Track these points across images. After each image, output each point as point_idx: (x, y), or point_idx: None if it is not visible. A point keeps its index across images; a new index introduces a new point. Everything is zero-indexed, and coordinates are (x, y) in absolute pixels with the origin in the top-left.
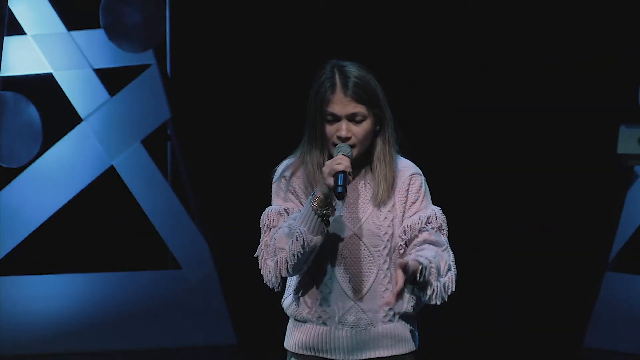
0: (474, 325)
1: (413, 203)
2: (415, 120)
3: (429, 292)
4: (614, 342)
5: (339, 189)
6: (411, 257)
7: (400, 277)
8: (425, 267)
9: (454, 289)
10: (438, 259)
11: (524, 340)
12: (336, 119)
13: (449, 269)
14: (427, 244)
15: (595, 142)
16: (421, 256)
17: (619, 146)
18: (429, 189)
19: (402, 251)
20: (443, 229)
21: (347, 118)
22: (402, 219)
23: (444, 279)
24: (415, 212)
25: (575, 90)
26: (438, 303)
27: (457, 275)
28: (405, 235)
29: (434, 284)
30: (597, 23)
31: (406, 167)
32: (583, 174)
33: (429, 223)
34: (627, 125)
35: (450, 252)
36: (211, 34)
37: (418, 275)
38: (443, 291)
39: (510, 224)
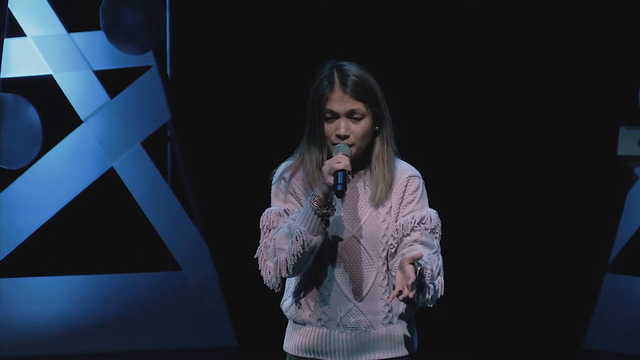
0: (474, 325)
1: (408, 203)
2: (415, 120)
3: (425, 295)
4: (614, 343)
5: (339, 187)
6: (407, 257)
7: (411, 271)
8: (423, 269)
9: (442, 294)
10: (431, 262)
11: (524, 341)
12: (335, 116)
13: (439, 273)
14: (418, 244)
15: (596, 143)
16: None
17: (619, 148)
18: (428, 191)
19: (393, 250)
20: (436, 232)
21: (346, 116)
22: (396, 219)
23: (435, 282)
24: (410, 212)
25: (576, 91)
26: (431, 306)
27: (445, 281)
28: (397, 233)
29: (430, 286)
30: (597, 23)
31: (405, 170)
32: (583, 175)
33: (422, 223)
34: (627, 127)
35: (440, 256)
36: (211, 35)
37: (416, 276)
38: (434, 293)
39: (510, 224)
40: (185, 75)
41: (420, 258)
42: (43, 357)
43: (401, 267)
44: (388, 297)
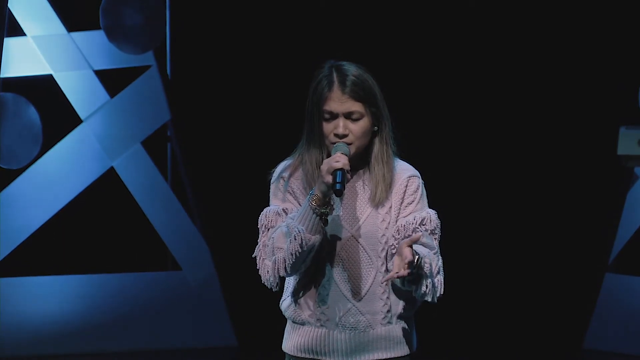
0: (473, 326)
1: (409, 204)
2: (415, 121)
3: (422, 287)
4: (614, 343)
5: (338, 186)
6: (406, 240)
7: (408, 252)
8: (421, 258)
9: (442, 293)
10: (430, 259)
11: (524, 341)
12: (334, 116)
13: (439, 272)
14: (419, 244)
15: (596, 143)
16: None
17: (619, 147)
18: (428, 191)
19: (394, 251)
20: (436, 233)
21: (345, 116)
22: (396, 220)
23: (434, 279)
24: (410, 213)
25: (576, 91)
26: (429, 300)
27: (445, 281)
28: (398, 234)
29: (428, 279)
30: (597, 23)
31: (404, 169)
32: (584, 175)
33: (422, 225)
34: (627, 127)
35: (440, 257)
36: (211, 35)
37: (414, 263)
38: (433, 290)
39: (510, 224)
40: (185, 75)
41: (418, 239)
42: (43, 357)
43: (399, 251)
44: (383, 278)
